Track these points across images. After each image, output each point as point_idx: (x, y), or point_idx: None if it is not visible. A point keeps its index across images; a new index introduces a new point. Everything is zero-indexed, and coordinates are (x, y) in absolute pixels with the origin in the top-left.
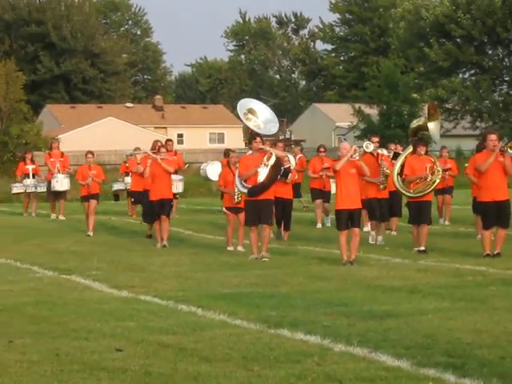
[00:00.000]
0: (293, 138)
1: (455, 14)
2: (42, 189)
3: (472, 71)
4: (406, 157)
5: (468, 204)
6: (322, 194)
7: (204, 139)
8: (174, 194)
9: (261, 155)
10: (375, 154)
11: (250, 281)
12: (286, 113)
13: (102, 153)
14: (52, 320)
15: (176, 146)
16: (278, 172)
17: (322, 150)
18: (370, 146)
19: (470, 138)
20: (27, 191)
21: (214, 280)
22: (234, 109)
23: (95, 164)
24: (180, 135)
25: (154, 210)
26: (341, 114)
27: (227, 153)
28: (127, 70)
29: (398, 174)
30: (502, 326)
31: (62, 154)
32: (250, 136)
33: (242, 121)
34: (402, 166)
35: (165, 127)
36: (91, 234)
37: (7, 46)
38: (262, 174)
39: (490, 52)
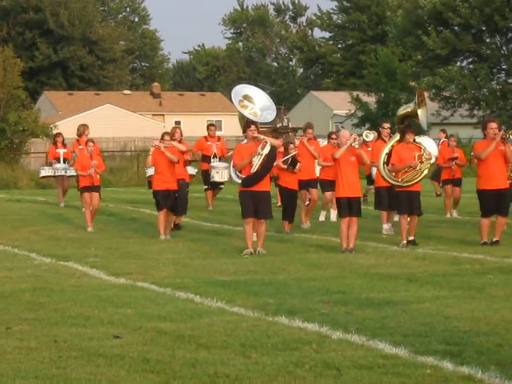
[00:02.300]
0: (290, 126)
1: (453, 2)
2: (72, 172)
3: (470, 59)
4: (392, 145)
5: (466, 192)
6: (333, 186)
7: (201, 127)
8: (219, 183)
9: (255, 144)
10: (387, 141)
11: (247, 268)
12: (284, 100)
13: (100, 140)
14: (50, 307)
15: None
16: (273, 161)
17: (333, 136)
18: (369, 135)
19: (468, 126)
20: (56, 174)
21: (212, 267)
22: (231, 96)
23: (96, 153)
24: (177, 122)
25: (159, 199)
26: (338, 102)
27: None
28: (125, 57)
29: (385, 162)
30: (499, 315)
31: (93, 142)
32: (245, 124)
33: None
34: (388, 155)
35: (162, 114)
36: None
37: (5, 32)
38: (256, 163)
39: (487, 40)
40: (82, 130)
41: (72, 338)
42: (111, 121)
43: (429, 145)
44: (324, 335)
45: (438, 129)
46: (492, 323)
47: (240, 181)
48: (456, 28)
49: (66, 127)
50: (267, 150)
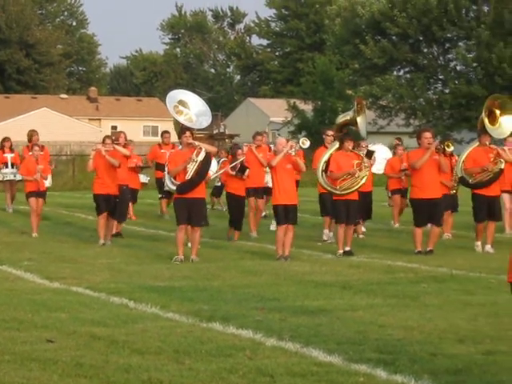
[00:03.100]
0: (227, 133)
1: (391, 12)
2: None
3: (407, 69)
4: (331, 153)
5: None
6: None
7: (138, 132)
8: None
9: (190, 150)
10: None
11: (182, 274)
12: (221, 107)
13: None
14: None
15: None
16: (208, 168)
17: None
18: (306, 143)
19: (404, 136)
20: (5, 179)
21: (147, 273)
22: None
23: (42, 158)
24: (114, 127)
25: (99, 203)
26: (275, 109)
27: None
28: (62, 61)
29: (323, 170)
30: (432, 323)
31: (43, 147)
32: (180, 130)
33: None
34: (327, 163)
35: (99, 119)
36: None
37: None
38: (191, 170)
39: (425, 50)
40: (31, 135)
41: (5, 342)
42: (47, 124)
43: (383, 152)
44: (258, 342)
45: (374, 138)
46: (425, 332)
47: (174, 187)
48: (393, 37)
49: (2, 130)
50: (202, 156)
